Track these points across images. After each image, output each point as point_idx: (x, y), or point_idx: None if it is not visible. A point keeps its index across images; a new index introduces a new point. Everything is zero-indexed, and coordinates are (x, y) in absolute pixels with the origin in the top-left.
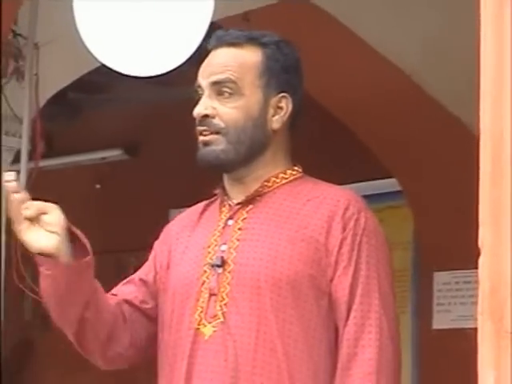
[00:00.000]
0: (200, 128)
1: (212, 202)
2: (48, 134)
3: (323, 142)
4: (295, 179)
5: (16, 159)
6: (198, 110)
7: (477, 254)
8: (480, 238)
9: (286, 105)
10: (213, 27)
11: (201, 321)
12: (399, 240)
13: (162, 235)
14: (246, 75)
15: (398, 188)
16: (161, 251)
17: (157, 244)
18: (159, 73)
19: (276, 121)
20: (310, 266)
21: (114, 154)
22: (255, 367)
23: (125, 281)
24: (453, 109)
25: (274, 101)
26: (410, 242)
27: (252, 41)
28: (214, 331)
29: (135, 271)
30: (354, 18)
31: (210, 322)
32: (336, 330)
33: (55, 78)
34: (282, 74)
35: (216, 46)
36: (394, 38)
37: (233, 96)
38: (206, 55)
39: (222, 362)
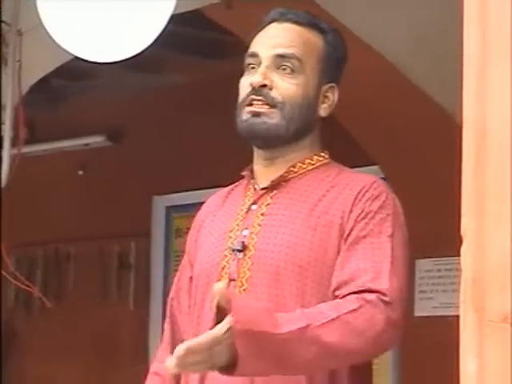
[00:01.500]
0: (254, 97)
1: (237, 186)
2: (31, 121)
3: None
4: (322, 165)
5: None
6: (256, 79)
7: (459, 241)
8: (462, 227)
9: (333, 95)
10: (195, 15)
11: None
12: None
13: (192, 224)
14: (310, 56)
15: (381, 175)
16: (190, 243)
17: (188, 236)
18: (125, 58)
19: (324, 108)
20: (331, 251)
21: (96, 140)
22: None
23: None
24: (436, 97)
25: (324, 88)
26: None
27: (314, 25)
28: None
29: (119, 258)
30: (339, 6)
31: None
32: None
33: (38, 64)
34: (336, 63)
35: (279, 21)
36: (377, 25)
37: (294, 73)
38: (262, 28)
39: None
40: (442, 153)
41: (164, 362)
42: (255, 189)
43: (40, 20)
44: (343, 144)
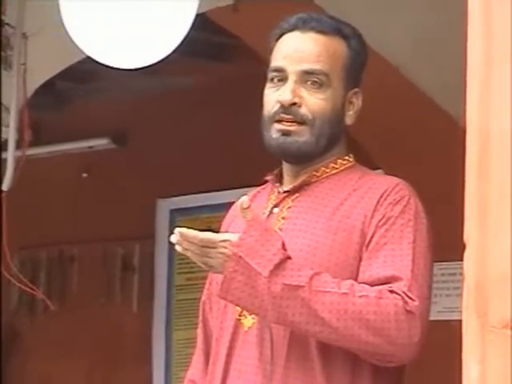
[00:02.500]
0: (284, 116)
1: (263, 189)
2: (35, 123)
3: None
4: (345, 169)
5: (3, 147)
6: (287, 97)
7: (462, 247)
8: (465, 233)
9: (357, 100)
10: (201, 19)
11: (242, 312)
12: None
13: (221, 228)
14: (336, 67)
15: None
16: None
17: None
18: (145, 65)
19: (350, 116)
20: (351, 256)
21: (101, 142)
22: (289, 361)
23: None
24: (440, 101)
25: (349, 95)
26: None
27: (338, 31)
28: (253, 323)
29: (123, 261)
30: (342, 9)
31: (250, 314)
32: None
33: (43, 67)
34: (359, 68)
35: (302, 29)
36: (381, 29)
37: (322, 87)
38: (281, 36)
39: (258, 355)
40: (446, 157)
41: (198, 368)
42: (279, 192)
43: (60, 20)
44: (347, 148)
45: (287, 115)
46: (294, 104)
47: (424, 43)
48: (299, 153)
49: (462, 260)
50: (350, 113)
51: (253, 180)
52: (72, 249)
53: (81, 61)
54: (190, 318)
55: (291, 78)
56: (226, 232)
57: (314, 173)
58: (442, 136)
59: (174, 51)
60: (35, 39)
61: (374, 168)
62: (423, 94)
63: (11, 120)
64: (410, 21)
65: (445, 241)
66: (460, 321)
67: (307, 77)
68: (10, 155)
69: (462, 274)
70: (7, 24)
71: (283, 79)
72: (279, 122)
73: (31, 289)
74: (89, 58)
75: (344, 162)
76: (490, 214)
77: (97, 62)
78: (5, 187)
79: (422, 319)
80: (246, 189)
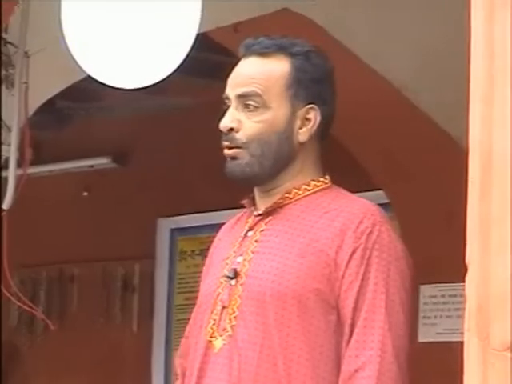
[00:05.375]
0: (224, 142)
1: (245, 212)
2: (36, 142)
3: None
4: (319, 190)
5: (4, 166)
6: (224, 123)
7: (464, 269)
8: (467, 255)
9: (314, 116)
10: (203, 38)
11: (213, 333)
12: None
13: (209, 252)
14: (273, 87)
15: (386, 200)
16: (204, 269)
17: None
18: (146, 84)
19: (303, 133)
20: (318, 280)
21: (101, 161)
22: (257, 382)
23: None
24: (442, 123)
25: (301, 112)
26: None
27: (281, 50)
28: (224, 344)
29: (123, 281)
30: (345, 31)
31: (221, 335)
32: None
33: (45, 86)
34: (310, 85)
35: (245, 56)
36: (384, 51)
37: (258, 109)
38: (236, 64)
39: (227, 376)
40: (447, 178)
41: None
42: (254, 215)
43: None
44: (349, 169)
45: (226, 141)
46: (232, 130)
47: (426, 65)
48: (244, 175)
49: (462, 281)
50: (303, 130)
51: None
52: (72, 268)
53: (81, 80)
54: None
55: (232, 104)
56: (213, 254)
57: (287, 195)
58: (443, 156)
59: (175, 71)
60: (37, 58)
61: (376, 189)
62: (424, 114)
63: (12, 138)
64: (412, 44)
65: (445, 262)
66: (460, 342)
67: (243, 100)
68: (11, 174)
69: (462, 295)
70: (9, 42)
71: (230, 106)
72: (225, 148)
73: (31, 308)
74: (90, 77)
75: (318, 184)
76: (492, 235)
77: (98, 82)
78: (5, 206)
79: (402, 358)
80: (246, 209)
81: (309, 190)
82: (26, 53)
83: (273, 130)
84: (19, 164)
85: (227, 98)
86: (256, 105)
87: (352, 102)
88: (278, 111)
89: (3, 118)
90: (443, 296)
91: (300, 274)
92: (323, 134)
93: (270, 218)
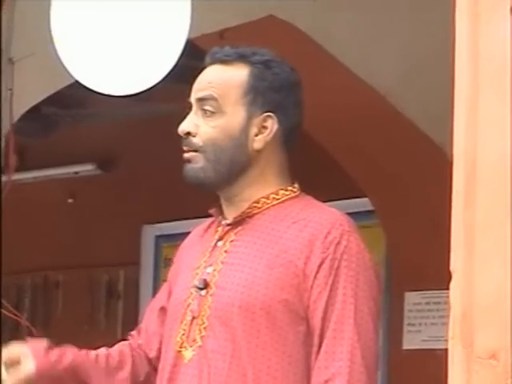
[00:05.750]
0: (183, 146)
1: (215, 220)
2: (21, 148)
3: (296, 161)
4: (288, 199)
5: None
6: (182, 127)
7: (448, 276)
8: (452, 263)
9: (271, 125)
10: (188, 45)
11: (183, 344)
12: None
13: (175, 255)
14: (230, 93)
15: (370, 208)
16: (171, 274)
17: (172, 267)
18: (134, 92)
19: (259, 140)
20: (286, 291)
21: (87, 168)
22: None
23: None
24: (427, 130)
25: (258, 120)
26: (382, 262)
27: (241, 58)
28: (194, 355)
29: (108, 287)
30: (330, 38)
31: (190, 346)
32: None
33: (30, 93)
34: (269, 93)
35: (209, 63)
36: (369, 58)
37: (214, 114)
38: (201, 71)
39: None
40: (432, 185)
41: None
42: (223, 225)
43: (50, 38)
44: (333, 176)
45: (184, 146)
46: (189, 134)
47: (411, 72)
48: (198, 180)
49: (447, 289)
50: (259, 137)
51: None
52: (57, 275)
53: (67, 86)
54: None
55: (193, 109)
56: (181, 260)
57: (255, 204)
58: (428, 163)
59: (163, 79)
60: (22, 64)
61: (359, 196)
62: (410, 122)
63: None
64: (397, 50)
65: (430, 269)
66: (445, 350)
67: (201, 104)
68: None
69: (447, 302)
70: None
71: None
72: (183, 151)
73: (15, 315)
74: (79, 83)
75: (287, 193)
76: (476, 243)
77: (87, 89)
78: None
79: (371, 368)
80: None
81: (277, 200)
82: (10, 59)
83: (227, 136)
84: (4, 171)
85: (190, 103)
86: (212, 110)
87: (336, 108)
88: (232, 117)
89: None
90: (428, 303)
91: (269, 285)
92: (287, 143)
93: (240, 228)
